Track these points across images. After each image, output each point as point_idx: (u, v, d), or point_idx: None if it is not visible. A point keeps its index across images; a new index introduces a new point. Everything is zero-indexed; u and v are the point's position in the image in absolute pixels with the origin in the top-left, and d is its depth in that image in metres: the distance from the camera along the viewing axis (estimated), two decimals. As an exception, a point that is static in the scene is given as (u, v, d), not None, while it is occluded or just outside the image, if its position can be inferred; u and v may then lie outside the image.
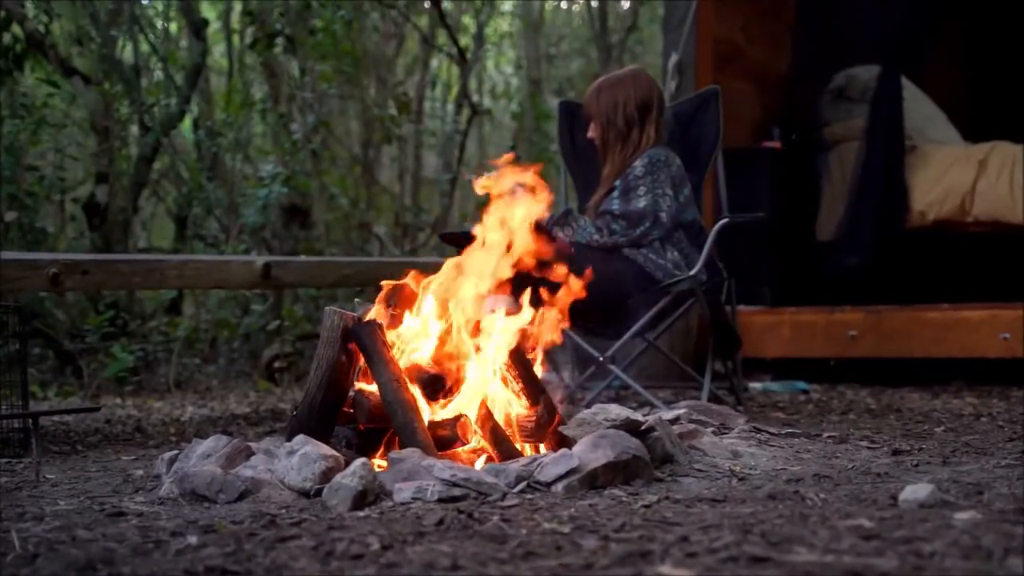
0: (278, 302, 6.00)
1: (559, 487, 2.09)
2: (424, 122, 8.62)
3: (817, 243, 5.40)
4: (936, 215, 5.08)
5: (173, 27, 7.61)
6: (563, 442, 2.35)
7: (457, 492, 2.02)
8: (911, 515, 1.72)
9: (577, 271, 3.38)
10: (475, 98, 9.14)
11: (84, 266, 3.21)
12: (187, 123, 6.91)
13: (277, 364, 5.49)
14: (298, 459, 2.18)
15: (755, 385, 4.60)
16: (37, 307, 5.29)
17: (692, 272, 3.48)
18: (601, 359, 3.56)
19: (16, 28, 5.37)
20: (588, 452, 2.17)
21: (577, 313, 3.00)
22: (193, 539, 1.71)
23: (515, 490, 2.08)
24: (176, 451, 2.46)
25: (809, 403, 4.04)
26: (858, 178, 5.23)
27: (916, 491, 1.82)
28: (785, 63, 5.70)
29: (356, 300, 2.64)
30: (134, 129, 6.21)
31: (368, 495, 2.02)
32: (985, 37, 6.05)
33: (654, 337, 3.88)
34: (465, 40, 8.84)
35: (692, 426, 2.60)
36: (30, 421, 2.68)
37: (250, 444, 2.42)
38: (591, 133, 3.70)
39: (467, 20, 9.35)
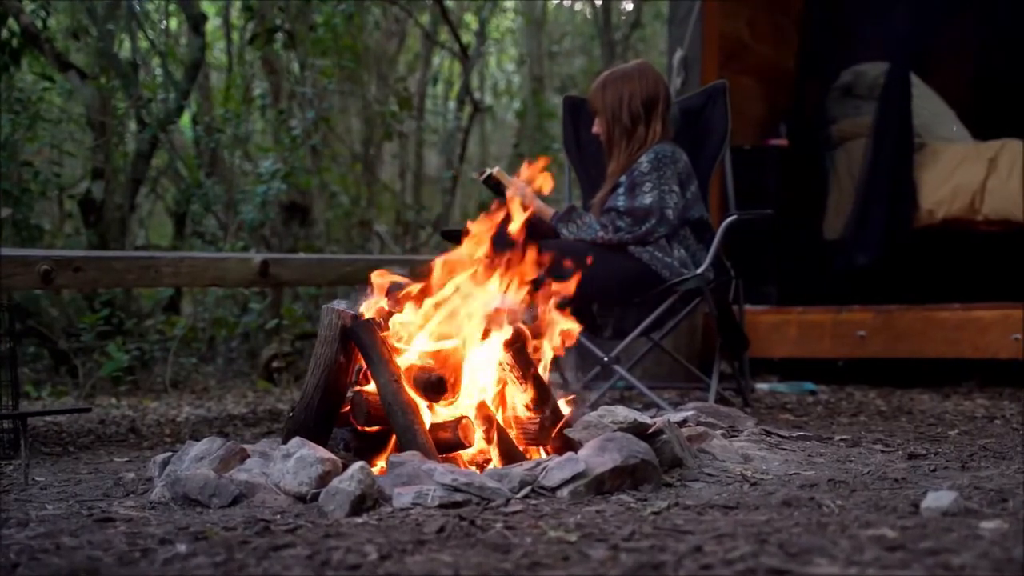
0: (277, 301, 5.92)
1: (564, 492, 2.02)
2: (425, 119, 8.55)
3: (824, 241, 5.32)
4: (945, 213, 5.00)
5: (172, 23, 7.54)
6: (568, 445, 2.27)
7: (459, 497, 1.95)
8: (935, 524, 1.64)
9: (581, 269, 3.32)
10: (477, 95, 9.06)
11: (76, 263, 3.13)
12: (186, 120, 6.84)
13: (276, 364, 5.42)
14: (294, 462, 2.10)
15: (762, 386, 4.52)
16: (32, 305, 5.21)
17: (699, 270, 3.40)
18: (606, 359, 3.48)
19: (12, 23, 5.29)
20: (595, 456, 2.09)
21: (581, 312, 2.94)
22: (182, 547, 1.63)
23: (519, 495, 2.01)
24: (170, 453, 2.39)
25: (818, 404, 3.96)
26: (866, 176, 5.15)
27: (939, 498, 1.74)
28: (792, 59, 5.63)
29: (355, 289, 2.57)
30: (132, 125, 6.13)
31: (366, 500, 1.95)
32: (994, 32, 5.96)
33: (660, 337, 3.80)
34: (467, 37, 8.76)
35: (701, 429, 2.53)
36: (19, 422, 2.60)
37: (245, 446, 2.35)
38: (596, 128, 3.62)
39: (469, 17, 9.28)
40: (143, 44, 6.72)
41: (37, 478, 2.56)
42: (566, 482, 2.03)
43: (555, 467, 2.07)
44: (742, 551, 1.49)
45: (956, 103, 5.54)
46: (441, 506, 1.93)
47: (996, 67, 5.81)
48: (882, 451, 2.57)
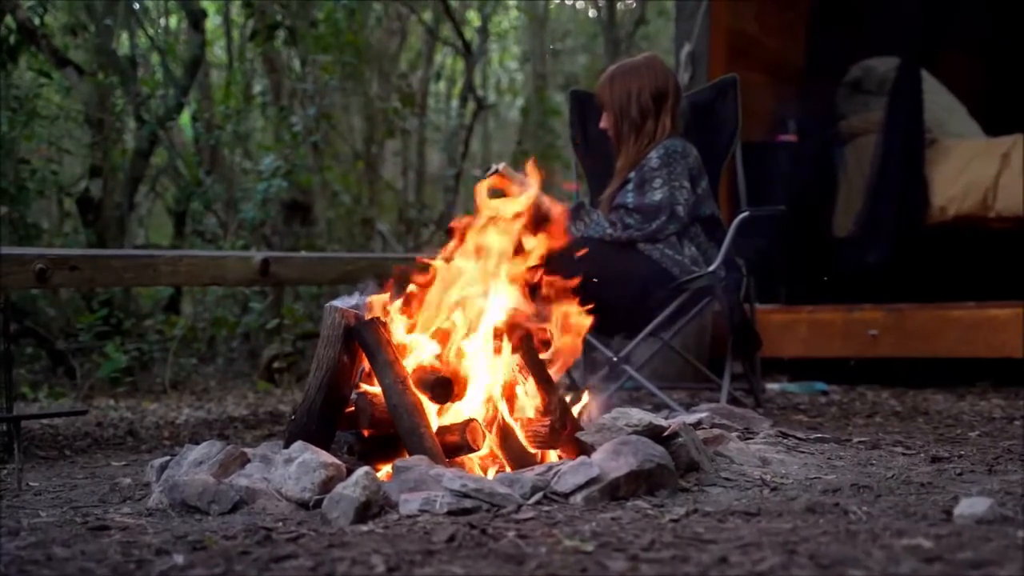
0: (278, 300, 5.84)
1: (578, 498, 1.94)
2: (427, 116, 8.47)
3: (834, 239, 5.24)
4: (957, 211, 4.91)
5: (172, 21, 7.46)
6: (581, 449, 2.19)
7: (468, 504, 1.87)
8: (970, 532, 1.56)
9: (590, 267, 3.24)
10: (480, 93, 8.98)
11: (72, 261, 3.05)
12: (186, 119, 6.76)
13: (277, 364, 5.34)
14: (296, 467, 2.02)
15: (772, 386, 4.44)
16: (29, 305, 5.13)
17: (711, 268, 3.32)
18: (615, 359, 3.39)
19: (9, 19, 5.20)
20: (609, 460, 2.01)
21: (589, 311, 2.85)
22: (179, 558, 1.55)
23: (530, 501, 1.92)
24: (168, 457, 2.31)
25: (831, 405, 3.88)
26: (876, 173, 5.07)
27: (973, 505, 1.66)
28: (800, 54, 5.54)
29: (359, 286, 2.49)
30: (130, 122, 6.05)
31: (371, 507, 1.87)
32: (1004, 25, 5.88)
33: (670, 336, 3.71)
34: (469, 34, 8.68)
35: (716, 431, 2.44)
36: (12, 425, 2.52)
37: (246, 450, 2.28)
38: (604, 123, 3.54)
39: (471, 15, 9.20)
40: (143, 41, 6.64)
41: (31, 483, 2.48)
42: (579, 487, 1.95)
43: (568, 472, 1.98)
44: (770, 562, 1.41)
45: (967, 98, 5.46)
46: (450, 513, 1.85)
47: (1007, 62, 5.73)
48: (903, 454, 2.49)
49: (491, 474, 2.16)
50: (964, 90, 5.48)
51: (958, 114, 5.35)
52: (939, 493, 1.97)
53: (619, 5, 9.28)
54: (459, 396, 2.28)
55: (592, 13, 10.30)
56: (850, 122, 5.30)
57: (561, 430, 2.25)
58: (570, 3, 11.14)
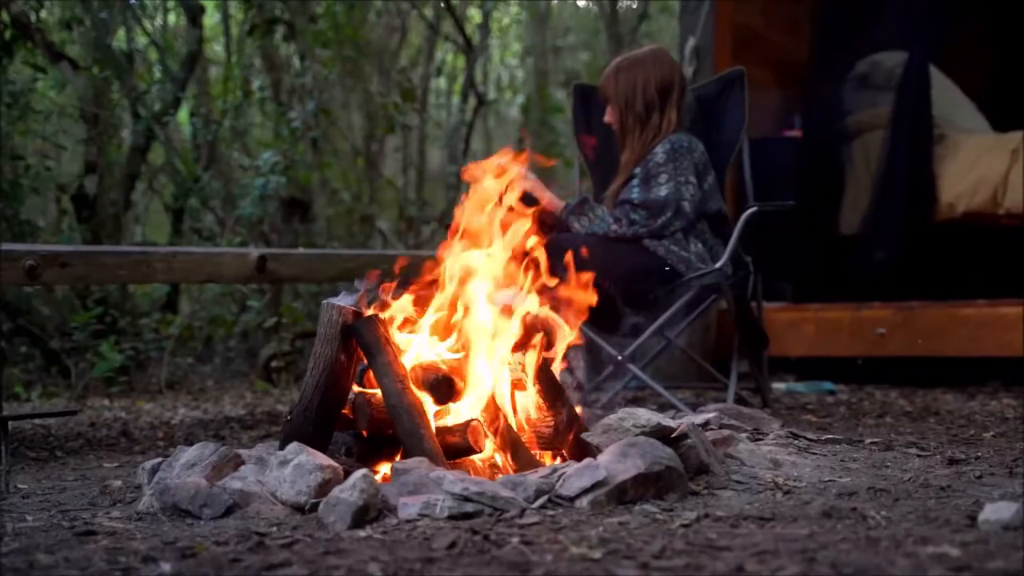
0: (277, 298, 5.76)
1: (584, 502, 1.86)
2: (428, 112, 8.39)
3: (841, 236, 5.16)
4: (966, 207, 4.83)
5: (172, 17, 7.38)
6: (586, 451, 2.12)
7: (470, 508, 1.79)
8: (998, 539, 1.49)
9: (593, 264, 3.16)
10: (481, 90, 8.90)
11: (64, 258, 2.98)
12: (185, 117, 6.68)
13: (275, 363, 5.27)
14: (292, 470, 1.95)
15: (778, 385, 4.36)
16: (23, 303, 5.05)
17: (717, 265, 3.24)
18: (620, 358, 3.32)
19: (3, 13, 5.13)
20: (615, 462, 1.93)
21: (593, 309, 2.78)
22: (167, 566, 1.48)
23: (534, 505, 1.85)
24: (160, 459, 2.23)
25: (839, 405, 3.80)
26: (883, 169, 4.99)
27: (998, 510, 1.59)
28: (806, 49, 5.46)
29: (356, 281, 2.41)
30: (127, 118, 5.97)
31: (370, 511, 1.80)
32: (1009, 20, 5.80)
33: (675, 335, 3.64)
34: (470, 30, 8.60)
35: (726, 432, 2.37)
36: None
37: (240, 452, 2.20)
38: (608, 117, 3.46)
39: (472, 11, 9.12)
40: (141, 38, 6.57)
41: (19, 485, 2.41)
42: (585, 491, 1.87)
43: (573, 475, 1.91)
44: (789, 571, 1.33)
45: (975, 93, 5.38)
46: (451, 517, 1.77)
47: (1015, 57, 5.65)
48: (918, 455, 2.41)
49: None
50: (972, 85, 5.40)
51: (966, 109, 5.27)
52: (960, 497, 1.89)
53: (621, 1, 9.21)
54: (460, 396, 2.21)
55: (594, 9, 10.22)
56: (857, 117, 5.22)
57: (566, 431, 2.18)
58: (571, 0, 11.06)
